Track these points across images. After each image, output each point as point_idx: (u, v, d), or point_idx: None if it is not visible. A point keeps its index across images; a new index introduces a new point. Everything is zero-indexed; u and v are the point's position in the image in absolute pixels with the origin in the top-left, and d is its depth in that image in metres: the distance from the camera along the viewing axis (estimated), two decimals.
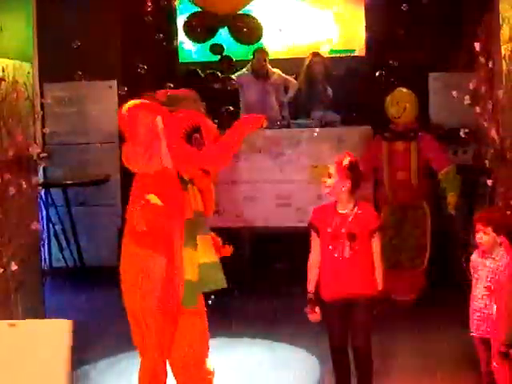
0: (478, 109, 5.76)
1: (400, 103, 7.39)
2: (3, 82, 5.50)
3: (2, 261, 5.32)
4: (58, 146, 8.70)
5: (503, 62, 5.67)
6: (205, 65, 9.93)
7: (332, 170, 4.84)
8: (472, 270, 4.86)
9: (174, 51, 9.57)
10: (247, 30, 8.55)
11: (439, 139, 7.50)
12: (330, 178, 4.84)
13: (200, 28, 8.12)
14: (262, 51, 9.34)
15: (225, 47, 8.72)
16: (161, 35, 8.57)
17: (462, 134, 6.28)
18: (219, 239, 4.87)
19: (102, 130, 8.95)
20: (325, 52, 9.78)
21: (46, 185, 8.66)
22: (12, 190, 5.42)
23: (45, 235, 8.52)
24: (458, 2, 8.41)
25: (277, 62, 9.80)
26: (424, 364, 5.75)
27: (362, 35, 10.21)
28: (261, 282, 8.01)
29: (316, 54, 9.58)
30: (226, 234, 5.64)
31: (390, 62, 8.08)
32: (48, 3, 8.28)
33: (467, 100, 5.76)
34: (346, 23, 10.42)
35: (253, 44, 9.11)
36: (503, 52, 5.73)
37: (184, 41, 9.89)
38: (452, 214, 7.23)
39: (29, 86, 6.02)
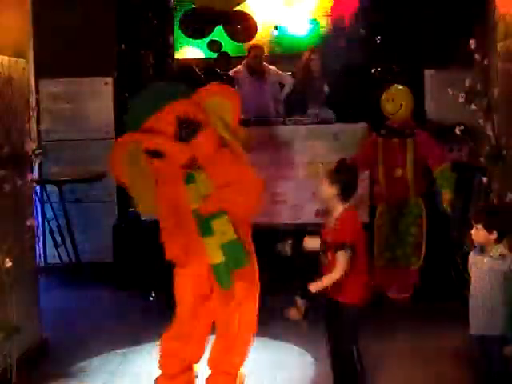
0: (473, 106, 5.74)
1: (396, 100, 7.38)
2: None
3: None
4: (53, 142, 8.68)
5: (499, 59, 5.67)
6: (200, 61, 9.95)
7: (322, 175, 4.82)
8: (470, 268, 4.86)
9: (170, 47, 9.54)
10: (241, 28, 8.55)
11: (435, 136, 7.49)
12: (320, 184, 4.82)
13: (195, 25, 8.11)
14: (257, 48, 9.33)
15: (222, 44, 8.72)
16: (157, 31, 8.58)
17: (457, 131, 6.27)
18: None
19: (98, 126, 8.93)
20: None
21: (41, 181, 8.65)
22: (7, 187, 5.40)
23: (40, 232, 8.49)
24: None
25: (273, 59, 9.79)
26: (419, 362, 5.74)
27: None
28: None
29: (313, 51, 9.58)
30: None
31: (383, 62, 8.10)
32: None
33: (462, 98, 5.74)
34: None
35: (247, 41, 9.10)
36: (499, 49, 5.73)
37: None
38: (447, 211, 7.23)
39: (24, 83, 6.00)
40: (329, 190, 4.74)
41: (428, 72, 8.90)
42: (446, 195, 7.15)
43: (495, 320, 4.70)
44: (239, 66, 9.44)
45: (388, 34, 8.85)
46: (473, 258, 4.85)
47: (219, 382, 5.16)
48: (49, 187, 8.75)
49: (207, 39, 9.12)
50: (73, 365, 5.89)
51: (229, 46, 9.63)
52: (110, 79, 8.99)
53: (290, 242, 4.95)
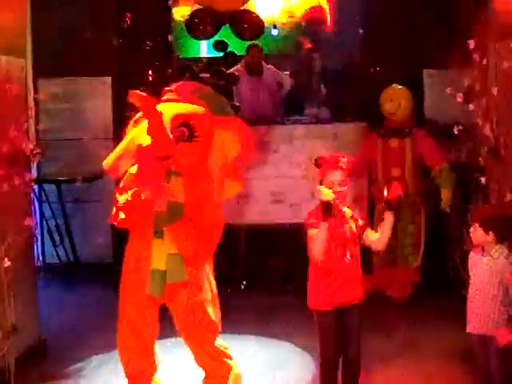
0: (472, 106, 5.75)
1: (394, 100, 7.39)
2: None
3: None
4: (51, 141, 8.68)
5: (497, 59, 5.67)
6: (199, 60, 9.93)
7: (338, 177, 4.69)
8: (470, 267, 4.86)
9: (170, 47, 9.53)
10: (248, 26, 8.51)
11: (433, 136, 7.49)
12: (341, 185, 4.70)
13: (202, 25, 8.08)
14: (256, 47, 9.32)
15: (228, 44, 8.70)
16: (156, 31, 8.58)
17: (455, 131, 6.27)
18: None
19: (97, 126, 8.93)
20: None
21: (40, 181, 8.65)
22: (5, 186, 5.40)
23: (38, 231, 8.49)
24: None
25: (271, 58, 9.79)
26: (419, 361, 5.75)
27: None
28: (255, 278, 8.01)
29: (311, 51, 9.59)
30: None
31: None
32: None
33: (460, 97, 5.75)
34: None
35: (254, 40, 9.07)
36: (497, 49, 5.73)
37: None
38: (446, 211, 7.23)
39: (23, 82, 6.00)
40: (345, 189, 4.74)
41: (427, 72, 8.90)
42: (445, 195, 7.16)
43: (493, 320, 4.70)
44: (238, 66, 9.43)
45: (387, 34, 8.84)
46: (472, 257, 4.85)
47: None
48: (47, 187, 8.75)
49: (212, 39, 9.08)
50: (71, 365, 5.90)
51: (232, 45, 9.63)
52: (108, 79, 8.99)
53: None
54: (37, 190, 8.54)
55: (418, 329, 6.44)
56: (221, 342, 4.97)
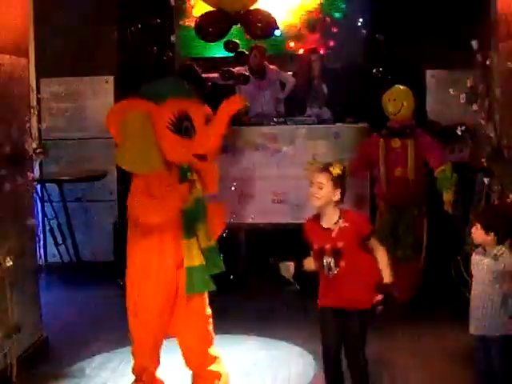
0: (475, 106, 5.74)
1: (397, 100, 7.38)
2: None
3: None
4: (54, 141, 8.66)
5: (501, 59, 5.67)
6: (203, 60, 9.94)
7: (322, 179, 4.60)
8: (472, 268, 4.86)
9: (172, 46, 9.53)
10: (261, 25, 8.50)
11: (436, 136, 7.49)
12: (320, 188, 4.60)
13: (212, 27, 8.07)
14: (259, 47, 9.32)
15: (239, 44, 8.69)
16: (159, 30, 8.57)
17: (458, 131, 6.27)
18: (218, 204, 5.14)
19: (99, 125, 8.91)
20: None
21: (42, 180, 8.65)
22: (8, 185, 5.40)
23: (40, 231, 8.50)
24: None
25: (274, 58, 9.79)
26: (420, 362, 5.74)
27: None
28: (256, 278, 8.00)
29: (313, 51, 9.60)
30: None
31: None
32: None
33: (463, 98, 5.74)
34: None
35: (268, 38, 9.06)
36: (501, 50, 5.73)
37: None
38: (448, 211, 7.23)
39: (25, 81, 6.00)
40: (333, 195, 4.60)
41: (429, 72, 8.90)
42: (447, 196, 7.15)
43: (495, 320, 4.70)
44: (240, 66, 9.43)
45: (389, 34, 8.84)
46: (474, 258, 4.85)
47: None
48: (49, 186, 8.75)
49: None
50: (73, 364, 5.89)
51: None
52: (110, 78, 8.99)
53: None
54: (39, 190, 8.55)
55: (419, 329, 6.44)
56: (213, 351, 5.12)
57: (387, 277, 4.66)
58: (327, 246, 4.59)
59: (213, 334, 5.12)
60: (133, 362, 5.13)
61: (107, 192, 8.94)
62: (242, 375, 5.49)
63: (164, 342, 5.10)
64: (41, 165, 8.60)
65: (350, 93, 9.17)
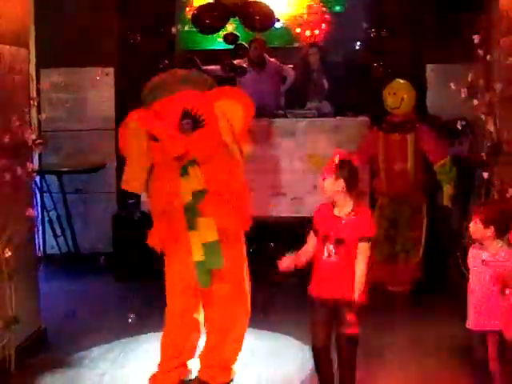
0: (475, 101, 5.74)
1: (397, 94, 7.38)
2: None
3: None
4: (53, 132, 8.66)
5: (502, 54, 5.66)
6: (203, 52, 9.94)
7: (325, 171, 4.68)
8: (469, 263, 4.86)
9: (173, 38, 9.52)
10: (259, 18, 8.48)
11: (436, 131, 7.49)
12: (323, 180, 4.67)
13: (210, 19, 8.05)
14: (259, 40, 9.32)
15: (239, 37, 8.67)
16: (159, 21, 8.56)
17: (458, 125, 6.26)
18: None
19: (99, 116, 8.93)
20: None
21: (41, 171, 8.64)
22: (7, 177, 5.39)
23: (39, 222, 8.49)
24: None
25: (274, 51, 9.78)
26: (419, 356, 5.75)
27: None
28: (255, 271, 7.99)
29: (312, 45, 9.59)
30: None
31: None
32: None
33: (464, 92, 5.74)
34: None
35: (266, 31, 9.05)
36: (502, 45, 5.72)
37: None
38: (447, 206, 7.23)
39: (25, 72, 5.99)
40: (336, 186, 4.63)
41: (430, 66, 8.89)
42: (447, 190, 7.16)
43: (493, 315, 4.70)
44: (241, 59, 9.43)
45: (390, 28, 8.83)
46: (472, 252, 4.85)
47: (210, 375, 5.21)
48: (48, 177, 8.74)
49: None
50: (72, 355, 5.90)
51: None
52: (111, 69, 8.97)
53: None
54: (38, 181, 8.54)
55: (418, 324, 6.44)
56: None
57: (356, 294, 4.61)
58: (332, 234, 4.63)
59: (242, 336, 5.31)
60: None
61: (106, 183, 8.92)
62: (240, 367, 5.49)
63: None
64: (40, 156, 8.58)
65: (351, 86, 9.16)
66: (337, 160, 4.66)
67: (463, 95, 5.72)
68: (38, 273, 6.43)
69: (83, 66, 8.87)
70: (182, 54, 10.01)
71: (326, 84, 9.33)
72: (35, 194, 7.82)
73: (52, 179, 8.72)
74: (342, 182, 4.62)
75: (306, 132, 8.28)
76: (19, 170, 5.53)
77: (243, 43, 8.84)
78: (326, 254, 4.66)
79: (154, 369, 5.23)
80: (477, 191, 6.86)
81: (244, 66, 9.13)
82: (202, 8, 8.20)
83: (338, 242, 4.61)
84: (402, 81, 7.51)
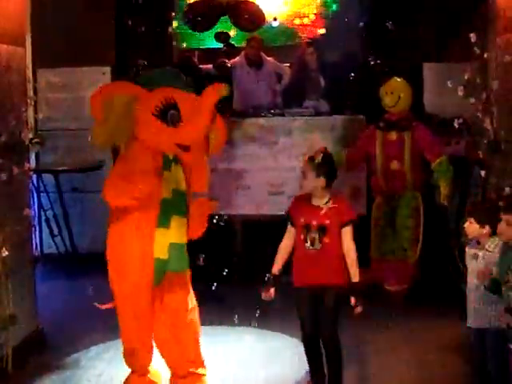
0: (472, 99, 5.74)
1: (394, 93, 7.38)
2: None
3: None
4: (50, 131, 8.65)
5: (498, 52, 5.67)
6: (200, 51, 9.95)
7: (305, 169, 4.84)
8: (466, 262, 4.87)
9: (170, 37, 9.52)
10: (248, 17, 8.48)
11: (433, 129, 7.49)
12: (304, 177, 4.83)
13: (201, 17, 8.06)
14: (256, 39, 9.32)
15: (230, 35, 8.68)
16: (156, 21, 8.56)
17: (456, 124, 6.27)
18: (207, 200, 5.15)
19: None
20: None
21: (38, 170, 8.63)
22: (4, 176, 5.39)
23: (36, 221, 8.48)
24: None
25: (271, 50, 9.78)
26: (417, 354, 5.76)
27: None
28: (252, 269, 8.00)
29: (309, 45, 9.60)
30: (218, 221, 5.63)
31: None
32: None
33: (461, 91, 5.74)
34: None
35: (254, 31, 9.06)
36: (498, 43, 5.73)
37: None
38: (445, 204, 7.23)
39: (22, 71, 5.99)
40: (316, 182, 4.80)
41: (427, 65, 8.89)
42: (444, 188, 7.16)
43: (492, 313, 4.70)
44: (237, 57, 9.43)
45: (387, 26, 8.82)
46: (469, 251, 4.86)
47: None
48: (45, 176, 8.73)
49: (213, 30, 9.07)
50: (69, 354, 5.90)
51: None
52: (107, 69, 8.96)
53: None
54: (35, 180, 8.53)
55: (416, 323, 6.45)
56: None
57: (355, 276, 4.81)
58: (314, 223, 4.79)
59: (197, 330, 5.05)
60: (122, 348, 5.11)
61: (103, 183, 8.90)
62: (238, 366, 5.49)
63: None
64: (37, 155, 8.57)
65: (348, 85, 9.15)
66: (319, 158, 4.80)
67: (460, 93, 5.72)
68: (36, 272, 6.42)
69: (80, 65, 8.86)
70: (179, 52, 10.02)
71: (322, 83, 9.34)
72: (32, 193, 7.81)
73: (49, 178, 8.70)
74: (322, 180, 4.79)
75: (303, 131, 8.27)
76: (16, 170, 5.53)
77: (232, 42, 8.87)
78: (308, 242, 4.80)
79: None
80: (474, 190, 6.87)
81: (228, 64, 9.14)
82: (192, 6, 8.19)
83: (321, 230, 4.78)
84: (398, 79, 7.51)
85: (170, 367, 5.09)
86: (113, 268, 5.02)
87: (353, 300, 4.76)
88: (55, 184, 8.67)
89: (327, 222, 4.77)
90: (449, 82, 5.88)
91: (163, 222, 4.82)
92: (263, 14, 8.40)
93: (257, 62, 9.36)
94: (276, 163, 8.21)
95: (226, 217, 7.18)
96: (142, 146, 4.78)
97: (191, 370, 5.02)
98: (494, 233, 4.71)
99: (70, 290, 7.70)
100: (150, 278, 4.84)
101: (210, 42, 10.04)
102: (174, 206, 4.85)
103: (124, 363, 5.26)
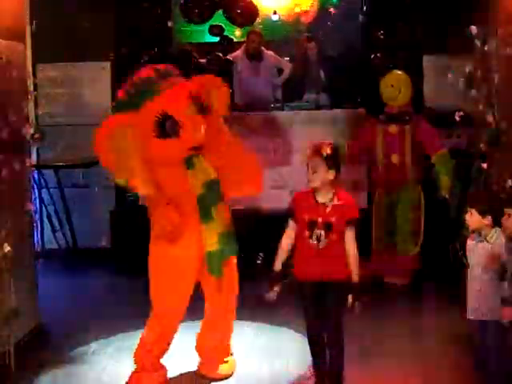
0: (473, 92, 5.73)
1: (395, 86, 7.37)
2: None
3: None
4: (51, 127, 8.64)
5: (499, 45, 5.65)
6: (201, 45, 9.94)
7: (316, 162, 4.74)
8: (467, 254, 4.87)
9: (169, 32, 9.51)
10: (241, 12, 8.48)
11: (434, 122, 7.48)
12: (315, 171, 4.74)
13: (197, 9, 8.06)
14: (256, 33, 9.31)
15: (224, 28, 8.67)
16: (155, 16, 8.55)
17: (456, 117, 6.26)
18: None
19: (95, 111, 8.89)
20: None
21: (39, 166, 8.63)
22: (5, 171, 5.38)
23: (37, 217, 8.48)
24: None
25: (271, 44, 9.77)
26: (418, 347, 5.75)
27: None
28: (254, 264, 7.99)
29: (309, 38, 9.59)
30: None
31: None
32: None
33: (462, 83, 5.73)
34: None
35: (247, 25, 9.06)
36: (499, 35, 5.71)
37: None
38: (445, 197, 7.23)
39: (22, 67, 5.98)
40: (327, 175, 4.74)
41: (427, 58, 8.87)
42: (444, 181, 7.15)
43: (492, 305, 4.71)
44: (238, 51, 9.43)
45: (387, 20, 8.82)
46: (470, 243, 4.85)
47: (210, 368, 5.28)
48: (46, 172, 8.73)
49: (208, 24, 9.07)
50: (71, 349, 5.89)
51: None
52: (107, 64, 8.95)
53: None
54: (36, 176, 8.53)
55: (417, 315, 6.47)
56: None
57: (354, 276, 4.78)
58: (320, 220, 4.74)
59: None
60: (140, 350, 5.14)
61: (104, 178, 8.89)
62: (241, 360, 5.49)
63: None
64: (37, 151, 8.57)
65: (348, 78, 9.15)
66: (329, 150, 4.74)
67: (461, 86, 5.71)
68: (37, 268, 6.42)
69: (80, 60, 8.85)
70: (179, 46, 10.00)
71: (323, 76, 9.33)
72: (33, 188, 7.81)
73: (50, 174, 8.70)
74: (332, 173, 4.74)
75: (304, 124, 8.26)
76: (17, 165, 5.52)
77: (228, 35, 8.85)
78: (314, 239, 4.76)
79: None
80: (475, 182, 6.87)
81: (228, 58, 9.13)
82: None
83: (327, 227, 4.73)
84: (399, 72, 7.50)
85: (208, 352, 5.27)
86: (158, 280, 5.04)
87: (350, 299, 4.74)
88: (56, 179, 8.67)
89: (333, 219, 4.73)
90: (449, 75, 5.86)
91: (205, 216, 4.87)
92: (256, 9, 8.39)
93: (257, 55, 9.35)
94: (276, 157, 8.21)
95: None
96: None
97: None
98: (495, 223, 4.72)
99: (71, 285, 7.71)
100: (191, 280, 5.02)
101: (208, 36, 10.06)
102: (211, 197, 4.90)
103: (126, 358, 5.27)
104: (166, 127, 4.68)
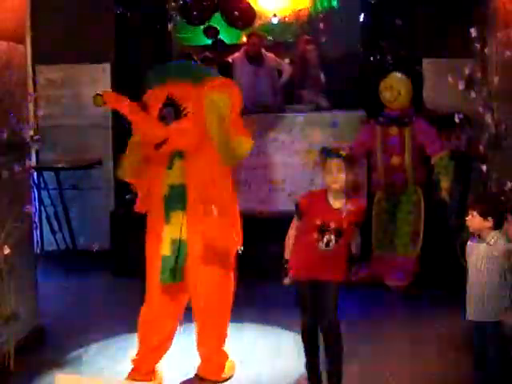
0: (472, 94, 5.74)
1: (394, 88, 7.38)
2: None
3: None
4: (51, 128, 8.65)
5: (499, 47, 5.66)
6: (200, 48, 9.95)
7: (340, 163, 4.72)
8: (467, 255, 4.87)
9: (169, 34, 9.52)
10: (239, 14, 8.50)
11: (433, 124, 7.49)
12: (339, 172, 4.71)
13: (195, 11, 8.08)
14: (256, 35, 9.32)
15: (219, 30, 8.68)
16: (156, 18, 8.57)
17: (456, 119, 6.26)
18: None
19: (96, 113, 8.89)
20: None
21: (39, 168, 8.63)
22: (5, 173, 5.39)
23: (37, 218, 8.48)
24: None
25: (271, 46, 9.78)
26: (417, 349, 5.76)
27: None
28: (253, 266, 7.99)
29: (310, 42, 9.60)
30: None
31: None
32: None
33: (462, 85, 5.73)
34: None
35: (244, 28, 9.07)
36: (499, 38, 5.71)
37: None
38: (445, 199, 7.23)
39: (22, 68, 5.98)
40: (346, 178, 4.73)
41: (426, 60, 8.88)
42: (444, 183, 7.16)
43: (492, 307, 4.71)
44: (238, 53, 9.43)
45: (387, 22, 8.83)
46: (470, 245, 4.86)
47: (209, 371, 5.27)
48: (46, 174, 8.73)
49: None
50: (71, 351, 5.89)
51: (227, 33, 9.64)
52: (107, 66, 8.95)
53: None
54: (35, 177, 8.53)
55: (417, 318, 6.46)
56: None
57: (354, 248, 4.87)
58: (332, 225, 4.73)
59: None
60: (136, 352, 5.19)
61: (104, 180, 8.91)
62: (239, 362, 5.49)
63: None
64: (37, 152, 8.57)
65: (348, 81, 9.16)
66: (344, 154, 4.75)
67: (461, 87, 5.72)
68: (37, 270, 6.42)
69: (80, 62, 8.85)
70: (179, 49, 10.02)
71: (323, 78, 9.34)
72: (33, 190, 7.81)
73: (49, 175, 8.70)
74: (352, 176, 4.75)
75: (304, 126, 8.27)
76: (17, 167, 5.52)
77: (222, 38, 8.87)
78: (323, 243, 4.75)
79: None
80: (475, 185, 6.87)
81: (229, 60, 9.15)
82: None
83: (339, 233, 4.73)
84: (398, 74, 7.51)
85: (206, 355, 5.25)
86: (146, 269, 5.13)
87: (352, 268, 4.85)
88: (56, 181, 8.67)
89: (346, 225, 4.74)
90: (449, 77, 5.87)
91: (165, 218, 4.89)
92: (254, 12, 8.41)
93: (257, 58, 9.36)
94: (276, 159, 8.22)
95: None
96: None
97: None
98: (496, 226, 4.72)
99: (71, 286, 7.70)
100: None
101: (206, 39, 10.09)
102: (171, 202, 4.89)
103: (126, 359, 5.27)
104: (165, 111, 4.83)
